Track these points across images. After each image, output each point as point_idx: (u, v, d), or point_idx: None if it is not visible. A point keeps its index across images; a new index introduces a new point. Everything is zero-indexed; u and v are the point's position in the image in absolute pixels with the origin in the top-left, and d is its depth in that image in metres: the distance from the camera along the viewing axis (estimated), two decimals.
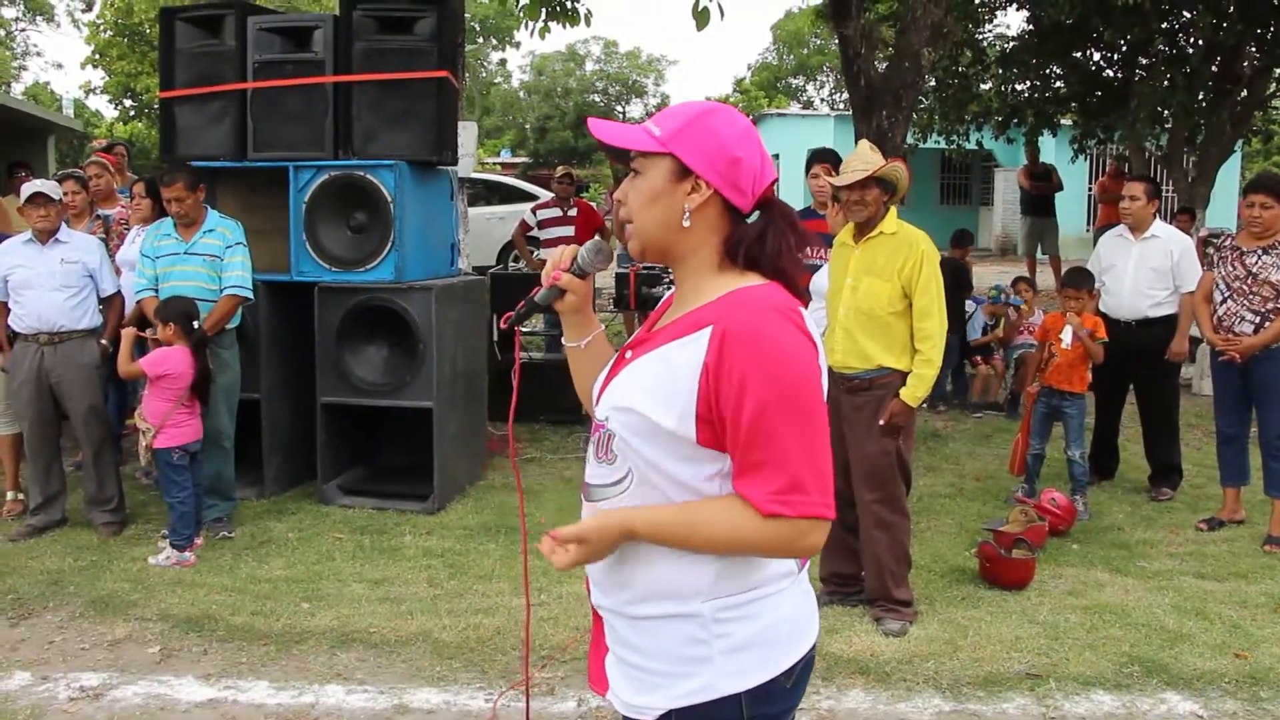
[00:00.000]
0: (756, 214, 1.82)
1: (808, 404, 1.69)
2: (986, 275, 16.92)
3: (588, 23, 11.00)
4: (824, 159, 6.07)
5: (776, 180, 1.86)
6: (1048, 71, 14.60)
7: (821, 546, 1.73)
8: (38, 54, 57.74)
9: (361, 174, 6.12)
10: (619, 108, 45.19)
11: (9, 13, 37.51)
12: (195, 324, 5.37)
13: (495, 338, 8.99)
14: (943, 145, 16.39)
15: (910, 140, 14.29)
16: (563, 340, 2.09)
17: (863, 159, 4.54)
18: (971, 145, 15.82)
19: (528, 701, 2.43)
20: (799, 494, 1.66)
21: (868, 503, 4.62)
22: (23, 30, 38.79)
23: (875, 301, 4.48)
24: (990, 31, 15.29)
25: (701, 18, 8.89)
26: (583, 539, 1.75)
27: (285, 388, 6.43)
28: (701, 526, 1.71)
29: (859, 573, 4.78)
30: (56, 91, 37.09)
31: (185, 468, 5.41)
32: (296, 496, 6.43)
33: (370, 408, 6.34)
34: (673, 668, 1.79)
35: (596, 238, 2.01)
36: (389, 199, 6.08)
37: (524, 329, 10.58)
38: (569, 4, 10.82)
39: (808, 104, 41.45)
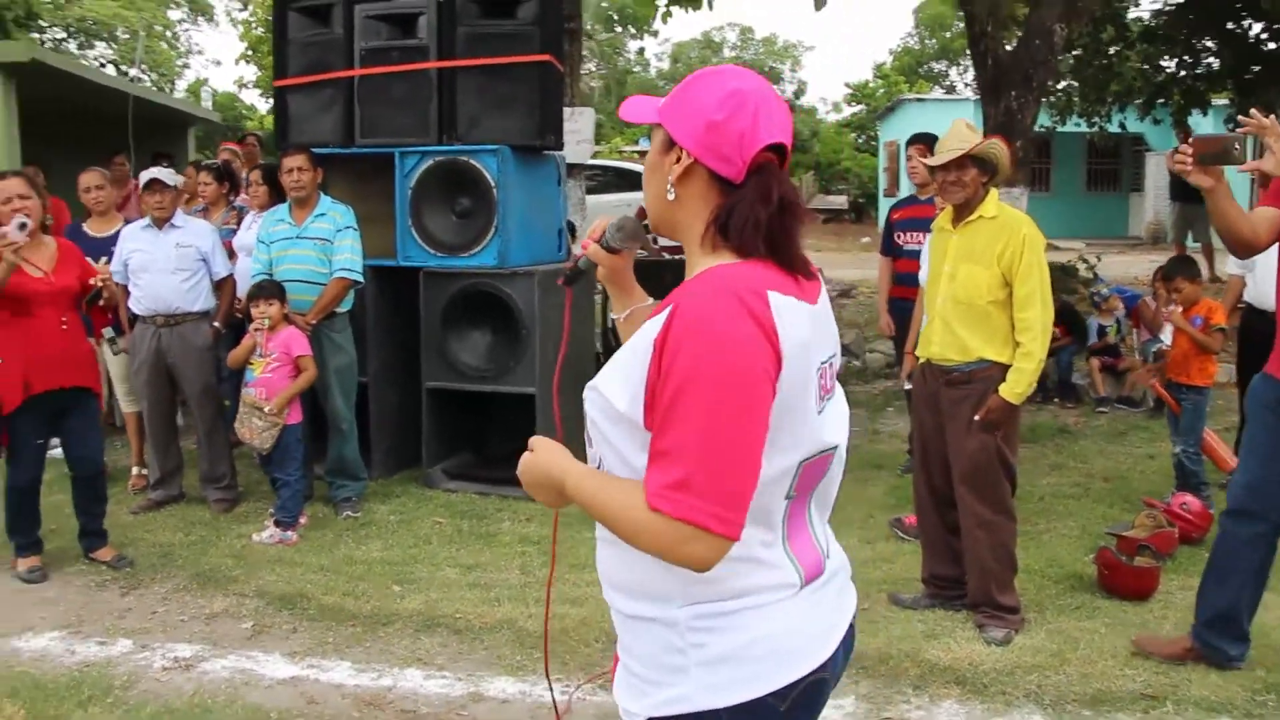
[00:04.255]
0: (748, 183, 1.65)
1: (728, 400, 1.50)
2: (1136, 264, 16.23)
3: (709, 6, 10.92)
4: (920, 141, 5.82)
5: (781, 145, 1.67)
6: (1198, 45, 13.78)
7: (708, 564, 1.54)
8: (199, 52, 60.40)
9: (465, 159, 6.14)
10: None
11: (174, 14, 39.33)
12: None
13: (609, 324, 8.99)
14: (1085, 128, 15.69)
15: (1048, 123, 13.77)
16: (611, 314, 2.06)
17: (958, 137, 4.28)
18: (1114, 127, 15.09)
19: (553, 695, 2.35)
20: (685, 493, 1.49)
21: (968, 502, 4.37)
22: (186, 30, 40.60)
23: (974, 290, 4.24)
24: (1139, 6, 14.53)
25: None
26: (532, 448, 1.71)
27: (393, 372, 6.50)
28: (607, 503, 1.58)
29: (961, 575, 4.53)
30: (215, 87, 38.66)
31: (302, 445, 5.56)
32: (403, 480, 6.51)
33: (476, 393, 6.37)
34: (654, 674, 1.67)
35: (624, 214, 1.92)
36: (492, 184, 6.09)
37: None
38: None
39: (950, 89, 40.35)
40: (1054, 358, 8.92)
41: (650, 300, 2.01)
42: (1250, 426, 3.95)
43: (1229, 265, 6.45)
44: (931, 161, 4.34)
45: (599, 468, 1.67)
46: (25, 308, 4.77)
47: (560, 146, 6.67)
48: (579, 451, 1.72)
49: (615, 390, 1.60)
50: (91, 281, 5.00)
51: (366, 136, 6.38)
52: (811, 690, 1.67)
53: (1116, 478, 6.63)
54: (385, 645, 4.28)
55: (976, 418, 4.24)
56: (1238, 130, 3.57)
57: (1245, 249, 3.70)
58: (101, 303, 5.14)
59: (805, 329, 1.60)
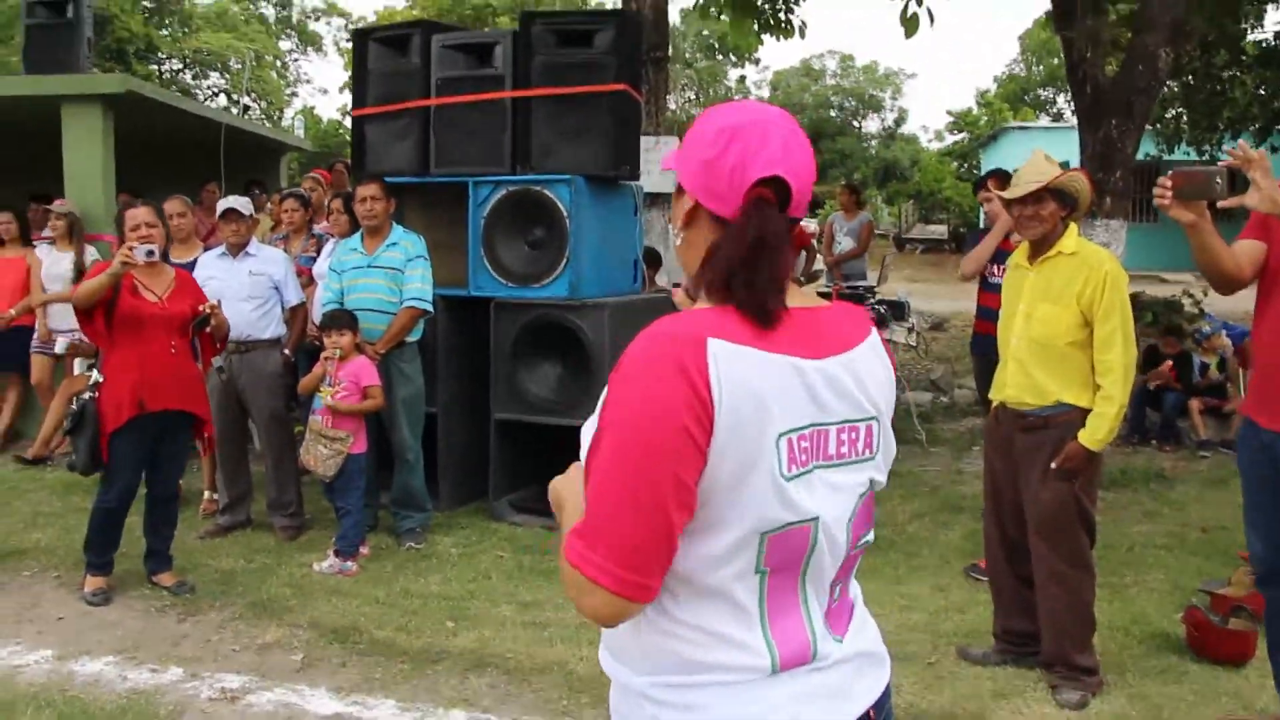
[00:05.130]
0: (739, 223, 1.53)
1: (630, 449, 1.39)
2: (1247, 299, 15.48)
3: (801, 35, 10.80)
4: (994, 175, 5.59)
5: (779, 178, 1.50)
6: None
7: (607, 621, 1.44)
8: (307, 81, 62.11)
9: (538, 189, 6.09)
10: (855, 122, 44.43)
11: (284, 44, 40.60)
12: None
13: None
14: (1195, 156, 15.10)
15: (1153, 151, 13.29)
16: None
17: (1036, 170, 4.06)
18: (1224, 156, 14.51)
19: None
20: (582, 543, 1.42)
21: (1043, 554, 4.13)
22: (295, 60, 41.86)
23: (1052, 330, 4.01)
24: (1263, 28, 13.91)
25: (910, 24, 8.52)
26: (565, 474, 1.64)
27: (461, 403, 6.46)
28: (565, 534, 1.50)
29: (1036, 630, 4.26)
30: (320, 115, 39.76)
31: (364, 474, 5.55)
32: (469, 512, 6.45)
33: (545, 426, 6.29)
34: None
35: None
36: (565, 214, 6.02)
37: None
38: (782, 16, 10.66)
39: (1057, 116, 39.48)
40: (1159, 399, 8.56)
41: None
42: (1246, 482, 3.68)
43: None
44: (1008, 194, 4.13)
45: None
46: (140, 331, 4.93)
47: (636, 177, 6.59)
48: None
49: (587, 433, 1.53)
50: (201, 308, 5.13)
51: (441, 166, 6.38)
52: None
53: (1215, 528, 6.23)
54: (432, 684, 4.20)
55: (1053, 465, 4.02)
56: (1221, 164, 3.35)
57: (1228, 285, 3.54)
58: (208, 329, 5.21)
59: (760, 382, 1.43)
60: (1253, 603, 4.57)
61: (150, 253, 4.84)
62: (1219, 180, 3.25)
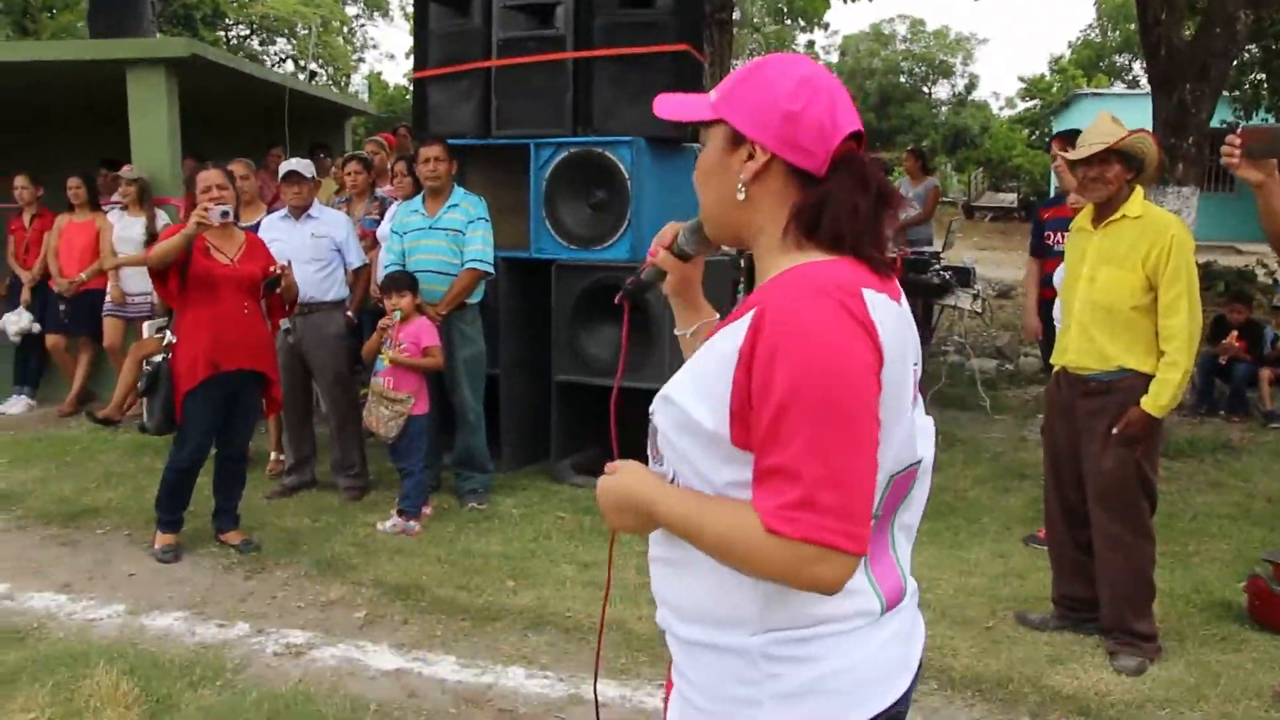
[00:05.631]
0: (832, 176, 1.52)
1: (846, 406, 1.38)
2: None
3: None
4: (1061, 136, 5.46)
5: (860, 132, 1.53)
6: None
7: (837, 585, 1.40)
8: (374, 46, 62.39)
9: (599, 151, 6.06)
10: (924, 88, 43.68)
11: (351, 10, 40.72)
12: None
13: None
14: (1274, 122, 14.67)
15: (1231, 117, 12.95)
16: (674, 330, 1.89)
17: (1102, 131, 3.97)
18: None
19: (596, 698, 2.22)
20: (808, 512, 1.36)
21: (1103, 521, 4.08)
22: (362, 25, 41.98)
23: (1116, 294, 3.94)
24: None
25: None
26: (613, 470, 1.59)
27: (523, 365, 6.48)
28: (711, 527, 1.45)
29: (1095, 597, 4.22)
30: (387, 80, 39.85)
31: (426, 435, 5.59)
32: (530, 473, 6.48)
33: (605, 388, 6.29)
34: (718, 706, 1.53)
35: (697, 217, 1.76)
36: (626, 176, 5.99)
37: None
38: None
39: (1133, 83, 38.51)
40: (1229, 371, 8.38)
41: (715, 316, 1.86)
42: None
43: None
44: (1072, 155, 4.04)
45: (673, 482, 1.56)
46: (212, 293, 5.01)
47: (697, 138, 6.50)
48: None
49: (694, 403, 1.48)
50: (271, 269, 5.20)
51: (503, 128, 6.37)
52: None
53: None
54: (492, 641, 4.24)
55: (1115, 431, 3.95)
56: None
57: None
58: (278, 290, 5.27)
59: (898, 328, 1.48)
60: None
61: (225, 213, 4.92)
62: None
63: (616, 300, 1.89)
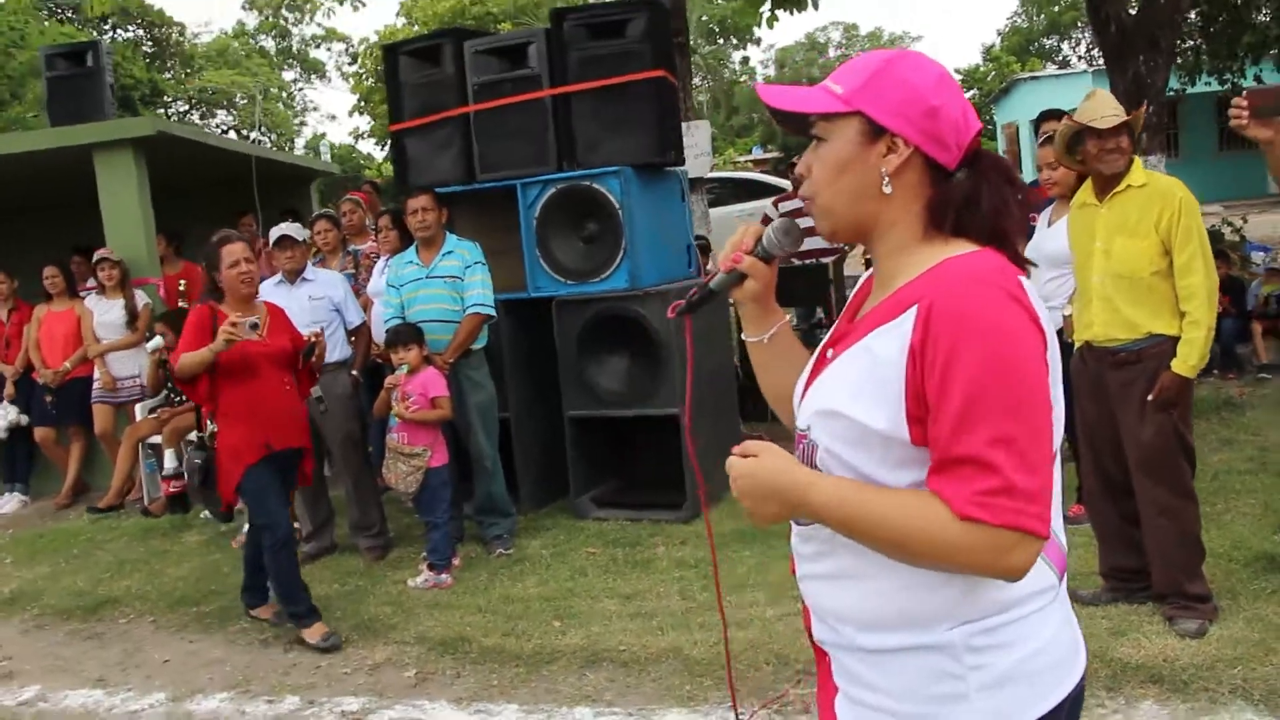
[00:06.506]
0: (963, 171, 1.54)
1: (1029, 393, 1.40)
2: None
3: (814, 6, 10.72)
4: (1052, 116, 5.54)
5: (981, 130, 1.56)
6: None
7: (1026, 570, 1.41)
8: (314, 109, 62.30)
9: (587, 184, 6.06)
10: None
11: (288, 75, 40.72)
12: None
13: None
14: (1216, 87, 14.92)
15: (1175, 85, 13.16)
16: (743, 336, 1.85)
17: (1110, 105, 4.08)
18: (1249, 83, 14.32)
19: None
20: (1006, 498, 1.36)
21: (1149, 489, 4.11)
22: (300, 89, 41.99)
23: (1135, 262, 4.00)
24: None
25: None
26: (753, 452, 1.53)
27: (533, 405, 6.44)
28: (883, 515, 1.43)
29: (1144, 566, 4.25)
30: (332, 140, 39.89)
31: (449, 486, 5.54)
32: (552, 512, 6.43)
33: (618, 418, 6.27)
34: (919, 708, 1.51)
35: (786, 219, 1.74)
36: (616, 206, 5.99)
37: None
38: None
39: (1064, 63, 39.14)
40: (1217, 328, 8.48)
41: (786, 318, 1.84)
42: None
43: None
44: (1100, 124, 4.05)
45: None
46: (250, 373, 4.80)
47: (681, 162, 6.55)
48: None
49: (866, 410, 1.47)
50: (308, 337, 5.07)
51: (486, 171, 6.35)
52: (1077, 702, 1.57)
53: None
54: (550, 684, 4.19)
55: (1150, 398, 3.99)
56: None
57: None
58: (314, 359, 5.15)
59: (1046, 314, 1.49)
60: None
61: (255, 325, 4.72)
62: None
63: (675, 313, 1.80)
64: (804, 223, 1.79)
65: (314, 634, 4.81)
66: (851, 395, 1.49)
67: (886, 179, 1.52)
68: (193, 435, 5.00)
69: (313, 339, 5.06)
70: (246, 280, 4.88)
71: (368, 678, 4.45)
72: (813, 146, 1.58)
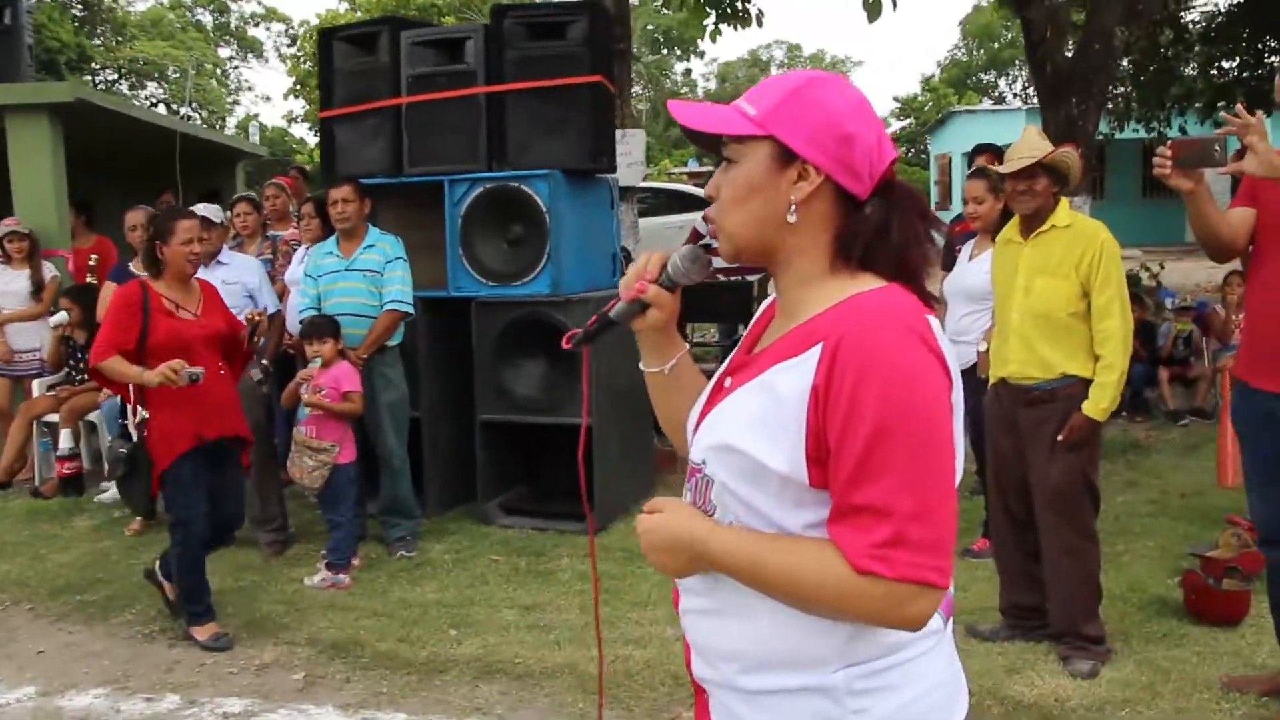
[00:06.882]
0: (875, 201, 1.49)
1: (931, 439, 1.35)
2: (1197, 271, 15.79)
3: (759, 23, 10.77)
4: (986, 151, 5.60)
5: (896, 160, 1.52)
6: (1261, 47, 13.40)
7: (924, 621, 1.38)
8: (249, 88, 61.21)
9: (515, 185, 5.97)
10: None
11: (224, 52, 39.94)
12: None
13: None
14: (1143, 134, 15.27)
15: (1105, 130, 13.46)
16: (640, 365, 1.77)
17: (1030, 145, 4.10)
18: (1174, 133, 14.69)
19: None
20: (904, 550, 1.33)
21: (1054, 528, 4.15)
22: (236, 68, 41.20)
23: (1053, 302, 4.03)
24: (1194, 8, 14.15)
25: (873, 9, 8.50)
26: (657, 508, 1.52)
27: (446, 406, 6.33)
28: (782, 567, 1.39)
29: (1043, 604, 4.30)
30: (265, 123, 39.18)
31: (355, 484, 5.42)
32: (458, 516, 6.32)
33: (531, 425, 6.19)
34: None
35: (693, 245, 1.67)
36: (544, 210, 5.91)
37: (696, 341, 10.34)
38: (739, 5, 10.61)
39: (1000, 99, 39.90)
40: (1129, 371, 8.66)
41: (686, 348, 1.76)
42: (1247, 445, 3.74)
43: None
44: (1004, 169, 4.15)
45: None
46: (186, 354, 4.44)
47: (613, 169, 6.49)
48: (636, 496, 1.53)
49: (765, 449, 1.42)
50: (251, 318, 4.88)
51: (415, 165, 6.24)
52: None
53: (1193, 493, 6.39)
54: (441, 694, 4.09)
55: (1060, 439, 4.03)
56: (1219, 130, 3.38)
57: (1224, 252, 3.57)
58: (255, 339, 4.92)
59: (950, 352, 1.46)
60: (1244, 563, 4.66)
61: (196, 378, 4.36)
62: (1217, 147, 3.27)
63: (570, 344, 1.71)
64: None
65: (204, 632, 4.64)
66: (750, 431, 1.44)
67: (793, 207, 1.47)
68: (124, 425, 4.64)
69: (255, 318, 4.88)
70: (193, 261, 4.64)
71: (254, 678, 4.31)
72: (723, 167, 1.54)
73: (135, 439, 4.58)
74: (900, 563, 1.33)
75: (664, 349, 1.74)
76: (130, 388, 4.59)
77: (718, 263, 1.68)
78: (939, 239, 1.52)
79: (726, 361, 1.64)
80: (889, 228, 1.47)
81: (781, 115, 1.47)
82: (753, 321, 1.69)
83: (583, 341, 1.69)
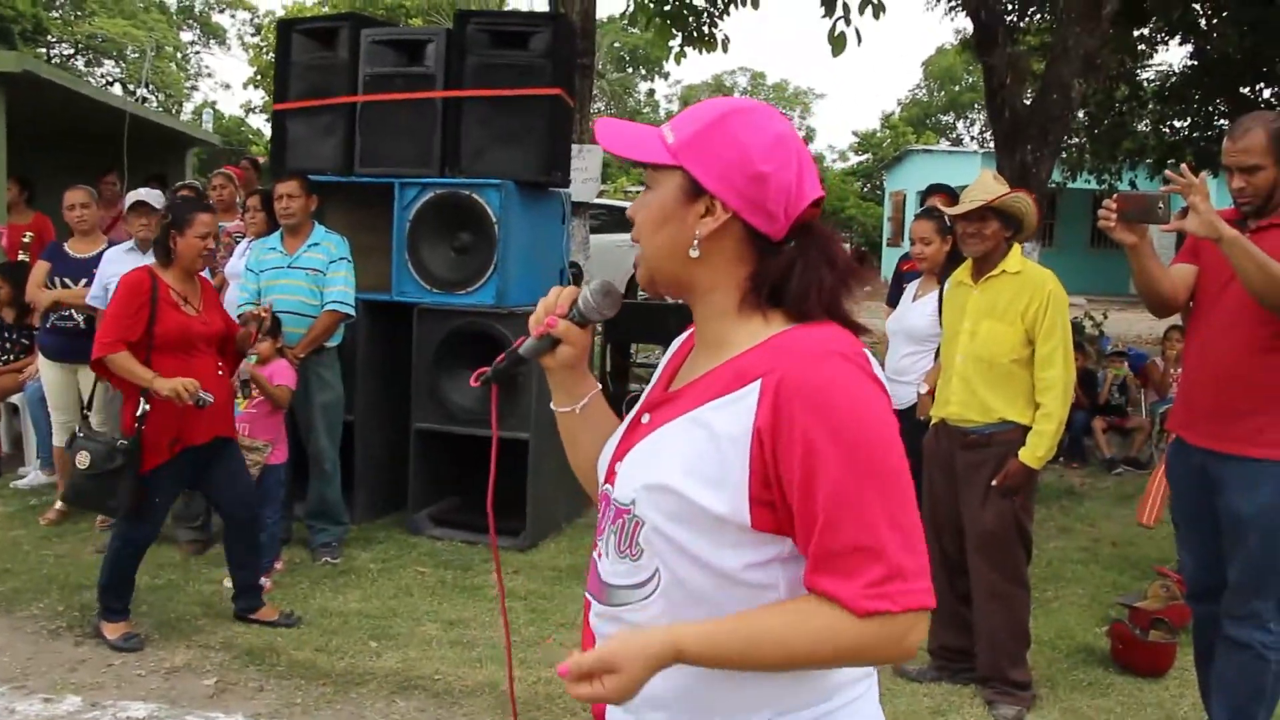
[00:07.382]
0: (793, 242, 1.44)
1: (893, 465, 1.34)
2: (1140, 323, 16.06)
3: (724, 48, 10.79)
4: (940, 191, 5.62)
5: (822, 199, 1.47)
6: (1211, 109, 13.69)
7: (915, 648, 1.37)
8: (209, 75, 60.45)
9: (467, 193, 5.90)
10: None
11: (186, 36, 39.37)
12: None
13: (607, 368, 8.73)
14: (1094, 185, 15.53)
15: (1058, 179, 13.68)
16: (551, 405, 1.71)
17: (983, 189, 4.10)
18: (1124, 186, 14.96)
19: None
20: (901, 582, 1.31)
21: (983, 571, 4.15)
22: (197, 53, 40.63)
23: (997, 347, 4.03)
24: (1150, 68, 14.43)
25: (838, 43, 8.56)
26: (613, 667, 1.32)
27: (380, 412, 6.22)
28: (775, 641, 1.33)
29: (971, 647, 4.28)
30: (223, 111, 38.65)
31: (283, 487, 5.31)
32: (387, 525, 6.21)
33: (466, 437, 6.09)
34: None
35: (603, 278, 1.62)
36: (493, 219, 5.84)
37: (640, 361, 10.30)
38: (705, 30, 10.64)
39: (957, 141, 40.44)
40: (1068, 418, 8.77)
41: (598, 387, 1.70)
42: (1177, 498, 3.76)
43: None
44: (953, 210, 4.15)
45: (654, 580, 1.42)
46: (186, 352, 4.32)
47: (567, 184, 6.45)
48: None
49: (702, 490, 1.36)
50: (260, 311, 4.78)
51: (366, 165, 6.14)
52: None
53: (1124, 543, 6.44)
54: (357, 708, 3.99)
55: (994, 483, 4.02)
56: (1164, 188, 3.41)
57: (1164, 307, 3.60)
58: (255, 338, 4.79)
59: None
60: (1171, 615, 4.69)
61: (204, 403, 4.22)
62: (1161, 204, 3.30)
63: (479, 382, 1.65)
64: None
65: (114, 630, 4.48)
66: (685, 471, 1.38)
67: (696, 242, 1.43)
68: (118, 438, 4.36)
69: (263, 314, 4.81)
70: (206, 256, 4.53)
71: (162, 682, 4.17)
72: (644, 190, 1.50)
73: (131, 446, 4.31)
74: (901, 594, 1.30)
75: (574, 387, 1.67)
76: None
77: None
78: (854, 287, 1.46)
79: (643, 398, 1.58)
80: (793, 272, 1.42)
81: (696, 147, 1.42)
82: (668, 355, 1.64)
83: (492, 380, 1.63)
